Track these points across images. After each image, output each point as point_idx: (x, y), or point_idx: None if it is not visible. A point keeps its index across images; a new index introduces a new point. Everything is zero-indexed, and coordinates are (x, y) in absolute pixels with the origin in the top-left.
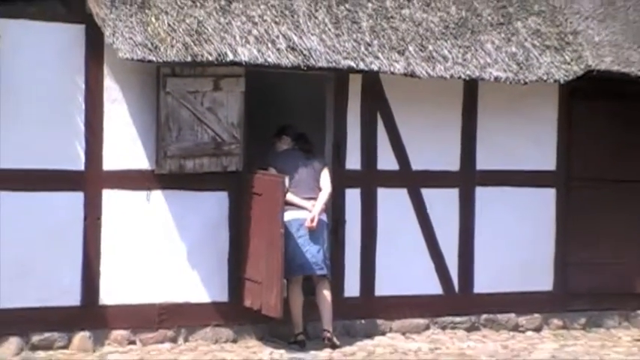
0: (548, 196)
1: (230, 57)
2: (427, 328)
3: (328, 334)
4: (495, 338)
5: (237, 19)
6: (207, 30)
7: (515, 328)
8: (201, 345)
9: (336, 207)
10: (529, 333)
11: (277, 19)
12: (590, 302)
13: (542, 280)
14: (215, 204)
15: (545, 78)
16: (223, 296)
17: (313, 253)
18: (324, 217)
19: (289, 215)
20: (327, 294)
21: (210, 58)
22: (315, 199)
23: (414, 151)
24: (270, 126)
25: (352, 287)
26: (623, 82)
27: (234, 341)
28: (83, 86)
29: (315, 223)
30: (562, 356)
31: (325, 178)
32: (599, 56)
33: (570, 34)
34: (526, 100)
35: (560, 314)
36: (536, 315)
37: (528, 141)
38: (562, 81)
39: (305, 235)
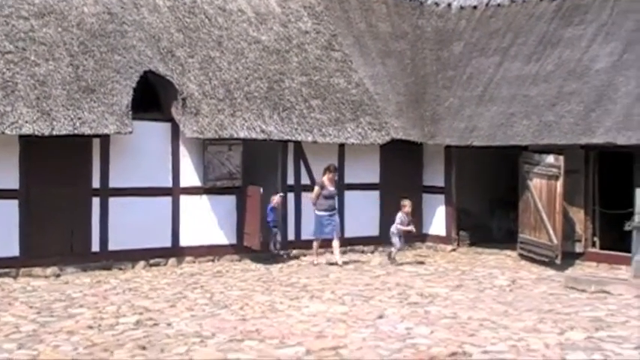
0: (375, 195)
1: (235, 136)
2: (324, 253)
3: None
4: (353, 257)
5: (238, 119)
6: (224, 123)
7: (362, 251)
8: (225, 262)
9: (284, 205)
10: (368, 254)
11: (255, 118)
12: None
13: (373, 230)
14: (230, 201)
15: (373, 142)
16: (234, 240)
17: (330, 229)
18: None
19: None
20: (336, 244)
21: (226, 136)
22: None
23: (317, 175)
24: (254, 167)
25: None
26: (409, 143)
27: (239, 260)
28: (170, 150)
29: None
30: (382, 263)
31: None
32: (397, 132)
33: (384, 123)
34: (366, 153)
35: (382, 245)
36: (371, 246)
37: (366, 169)
38: (380, 143)
39: (329, 221)
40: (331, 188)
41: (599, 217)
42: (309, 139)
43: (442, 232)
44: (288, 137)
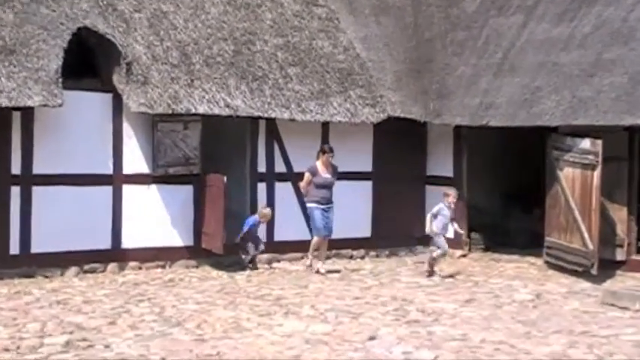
0: (367, 185)
1: (193, 111)
2: (302, 258)
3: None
4: (340, 263)
5: (197, 90)
6: (180, 95)
7: (351, 257)
8: (179, 268)
9: (252, 193)
10: (358, 259)
11: (219, 90)
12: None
13: (365, 229)
14: (186, 192)
15: (365, 121)
16: (190, 242)
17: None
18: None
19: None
20: (323, 247)
21: (182, 111)
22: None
23: (295, 161)
24: (216, 149)
25: (262, 236)
26: (410, 123)
27: (196, 267)
28: (111, 128)
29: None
30: (375, 272)
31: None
32: (394, 109)
33: (379, 97)
34: (356, 133)
35: (374, 249)
36: (361, 250)
37: (356, 154)
38: (374, 122)
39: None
40: (326, 175)
41: None
42: (286, 115)
43: (450, 234)
44: (259, 113)
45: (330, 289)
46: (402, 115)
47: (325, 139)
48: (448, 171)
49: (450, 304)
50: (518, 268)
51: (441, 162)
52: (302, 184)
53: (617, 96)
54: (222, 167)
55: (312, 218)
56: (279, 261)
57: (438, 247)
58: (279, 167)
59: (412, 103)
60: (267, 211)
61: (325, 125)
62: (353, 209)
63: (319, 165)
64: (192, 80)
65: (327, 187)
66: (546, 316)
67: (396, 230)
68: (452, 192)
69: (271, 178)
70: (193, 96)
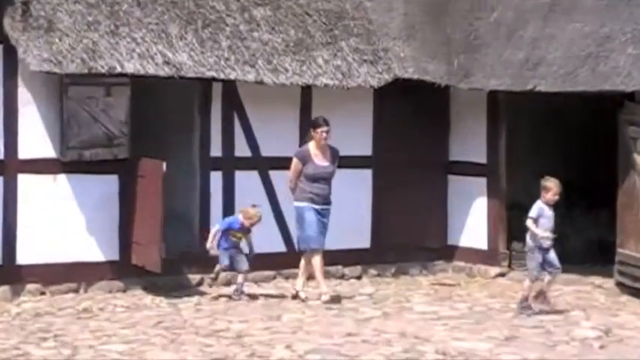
0: (366, 175)
1: (118, 70)
2: (274, 278)
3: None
4: (327, 284)
5: (123, 40)
6: (100, 48)
7: (342, 277)
8: (99, 293)
9: (203, 186)
10: (352, 280)
11: (155, 40)
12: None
13: (362, 240)
14: (108, 184)
15: (363, 84)
16: (115, 256)
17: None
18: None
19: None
20: (317, 263)
21: (103, 71)
22: None
23: (263, 142)
24: (152, 124)
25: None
26: (426, 88)
27: (124, 291)
28: (1, 93)
29: None
30: (377, 297)
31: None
32: (404, 67)
33: (382, 51)
34: (349, 101)
35: (374, 265)
36: (357, 266)
37: (351, 133)
38: (376, 86)
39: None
40: (322, 162)
41: None
42: (250, 77)
43: (482, 245)
44: (213, 74)
45: (313, 322)
46: (415, 77)
47: (306, 111)
48: (480, 155)
49: (482, 343)
50: (578, 292)
51: (470, 142)
52: (290, 176)
53: None
54: (161, 150)
55: (302, 223)
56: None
57: (548, 268)
58: (241, 150)
59: (429, 60)
60: (256, 211)
61: (306, 90)
62: (346, 210)
63: (311, 148)
64: (116, 26)
65: (324, 179)
66: None
67: (405, 239)
68: (553, 184)
69: (230, 164)
70: (118, 49)
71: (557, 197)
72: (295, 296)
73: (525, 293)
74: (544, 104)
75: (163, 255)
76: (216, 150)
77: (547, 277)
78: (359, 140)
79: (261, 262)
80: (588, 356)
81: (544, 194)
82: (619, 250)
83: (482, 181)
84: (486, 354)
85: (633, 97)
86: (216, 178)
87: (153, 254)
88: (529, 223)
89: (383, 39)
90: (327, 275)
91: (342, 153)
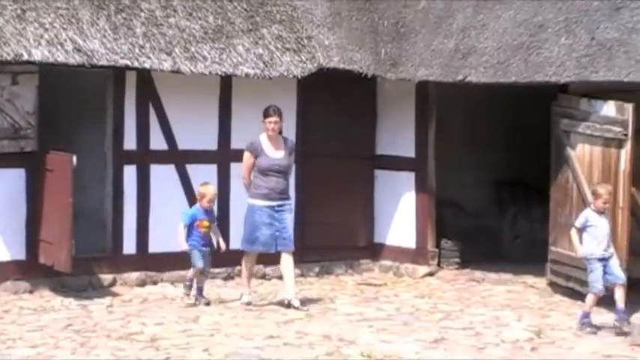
0: None
1: (25, 57)
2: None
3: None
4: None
5: (31, 25)
6: (6, 34)
7: (264, 276)
8: (2, 296)
9: (116, 181)
10: (274, 280)
11: (65, 26)
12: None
13: None
14: (14, 179)
15: (285, 74)
16: (21, 255)
17: (273, 235)
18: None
19: None
20: (287, 264)
21: (8, 58)
22: None
23: (180, 134)
24: (61, 116)
25: (130, 246)
26: (352, 78)
27: (31, 292)
28: None
29: None
30: (300, 297)
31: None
32: (329, 56)
33: (306, 39)
34: (272, 92)
35: (297, 265)
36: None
37: None
38: (299, 76)
39: (272, 220)
40: (276, 155)
41: None
42: (167, 65)
43: (410, 243)
44: (126, 62)
45: (232, 325)
46: (341, 66)
47: (226, 101)
48: (408, 149)
49: (409, 345)
50: (509, 293)
51: (398, 135)
52: (243, 172)
53: None
54: (71, 142)
55: (248, 223)
56: (155, 282)
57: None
58: (157, 143)
59: (355, 48)
60: (206, 187)
61: (226, 80)
62: None
63: (263, 139)
64: (23, 10)
65: (280, 172)
66: None
67: (330, 237)
68: (603, 190)
69: (144, 158)
70: (25, 34)
71: (605, 205)
72: (288, 304)
73: (586, 309)
74: (476, 96)
75: (73, 254)
76: (130, 143)
77: (615, 290)
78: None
79: (177, 261)
80: (518, 358)
81: (595, 201)
82: (551, 248)
83: (410, 176)
84: (413, 357)
85: (567, 89)
86: (130, 173)
87: (62, 253)
88: (572, 233)
89: (307, 26)
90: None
91: None
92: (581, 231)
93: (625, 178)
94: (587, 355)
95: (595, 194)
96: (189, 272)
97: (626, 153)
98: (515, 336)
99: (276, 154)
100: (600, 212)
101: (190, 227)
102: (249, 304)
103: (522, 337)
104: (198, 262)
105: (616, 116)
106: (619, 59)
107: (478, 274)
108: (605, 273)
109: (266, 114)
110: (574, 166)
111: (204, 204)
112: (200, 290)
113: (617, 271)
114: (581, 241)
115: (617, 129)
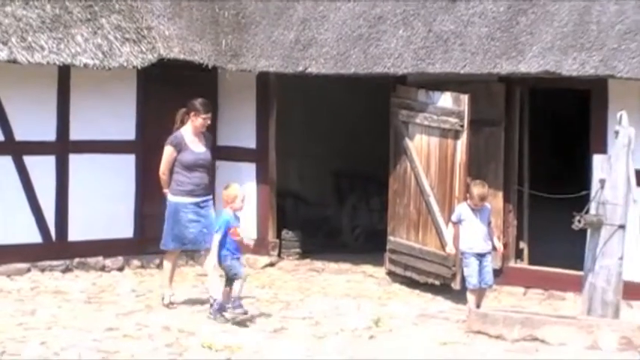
0: (128, 161)
1: None
2: (28, 270)
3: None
4: (86, 277)
5: None
6: None
7: (103, 268)
8: None
9: None
10: (114, 272)
11: None
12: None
13: (125, 229)
14: None
15: (125, 65)
16: None
17: (196, 233)
18: None
19: None
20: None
21: None
22: None
23: (17, 125)
24: None
25: None
26: (193, 69)
27: None
28: None
29: None
30: (140, 290)
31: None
32: (169, 47)
33: (145, 29)
34: (111, 82)
35: (137, 257)
36: (119, 257)
37: (112, 116)
38: (139, 67)
39: (197, 217)
40: (199, 149)
41: (530, 204)
42: (3, 55)
43: (251, 233)
44: None
45: (71, 318)
46: (181, 57)
47: (64, 92)
48: (249, 140)
49: (249, 335)
50: (349, 282)
51: (239, 127)
52: (162, 167)
53: (489, 32)
54: None
55: (171, 221)
56: (9, 276)
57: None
58: None
59: (196, 39)
60: (231, 188)
61: (64, 70)
62: (107, 197)
63: (186, 134)
64: None
65: (203, 167)
66: (388, 350)
67: None
68: (476, 192)
69: None
70: None
71: (482, 204)
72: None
73: (471, 305)
74: (317, 87)
75: None
76: None
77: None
78: (121, 124)
79: (16, 253)
80: (357, 347)
81: (469, 198)
82: (390, 238)
83: (251, 167)
84: (255, 347)
85: (405, 81)
86: None
87: None
88: (449, 227)
89: (147, 17)
90: (87, 267)
91: (103, 137)
92: (457, 225)
93: (461, 168)
94: (424, 343)
95: (469, 193)
96: (235, 286)
97: (462, 144)
98: (354, 325)
99: (199, 148)
100: (475, 208)
101: (223, 237)
102: (172, 304)
103: (361, 325)
104: (240, 270)
105: (452, 107)
106: (455, 51)
107: (318, 264)
108: (479, 270)
109: (198, 109)
110: (412, 157)
111: (237, 205)
112: (239, 300)
113: (488, 276)
114: (455, 236)
115: (453, 120)
